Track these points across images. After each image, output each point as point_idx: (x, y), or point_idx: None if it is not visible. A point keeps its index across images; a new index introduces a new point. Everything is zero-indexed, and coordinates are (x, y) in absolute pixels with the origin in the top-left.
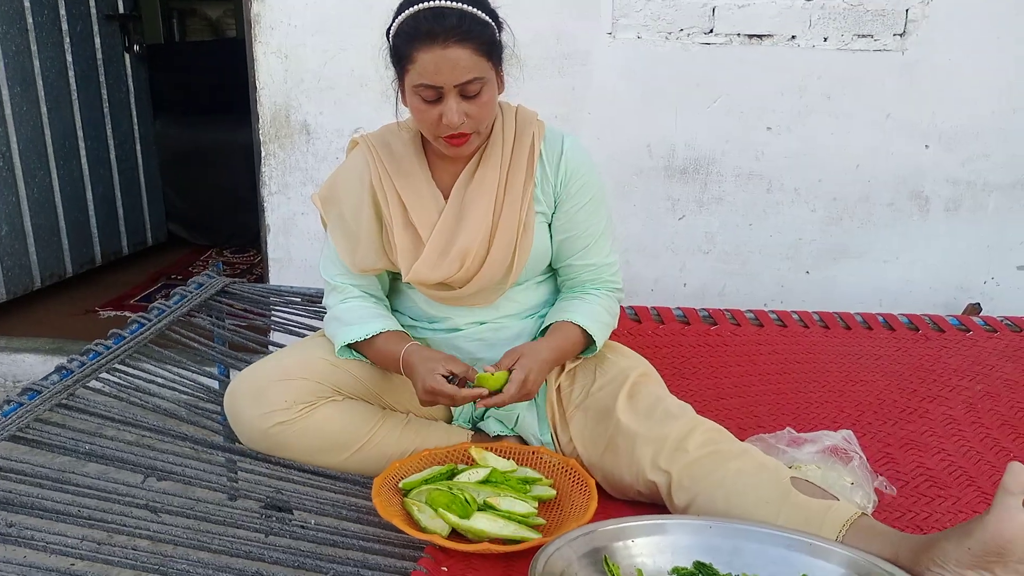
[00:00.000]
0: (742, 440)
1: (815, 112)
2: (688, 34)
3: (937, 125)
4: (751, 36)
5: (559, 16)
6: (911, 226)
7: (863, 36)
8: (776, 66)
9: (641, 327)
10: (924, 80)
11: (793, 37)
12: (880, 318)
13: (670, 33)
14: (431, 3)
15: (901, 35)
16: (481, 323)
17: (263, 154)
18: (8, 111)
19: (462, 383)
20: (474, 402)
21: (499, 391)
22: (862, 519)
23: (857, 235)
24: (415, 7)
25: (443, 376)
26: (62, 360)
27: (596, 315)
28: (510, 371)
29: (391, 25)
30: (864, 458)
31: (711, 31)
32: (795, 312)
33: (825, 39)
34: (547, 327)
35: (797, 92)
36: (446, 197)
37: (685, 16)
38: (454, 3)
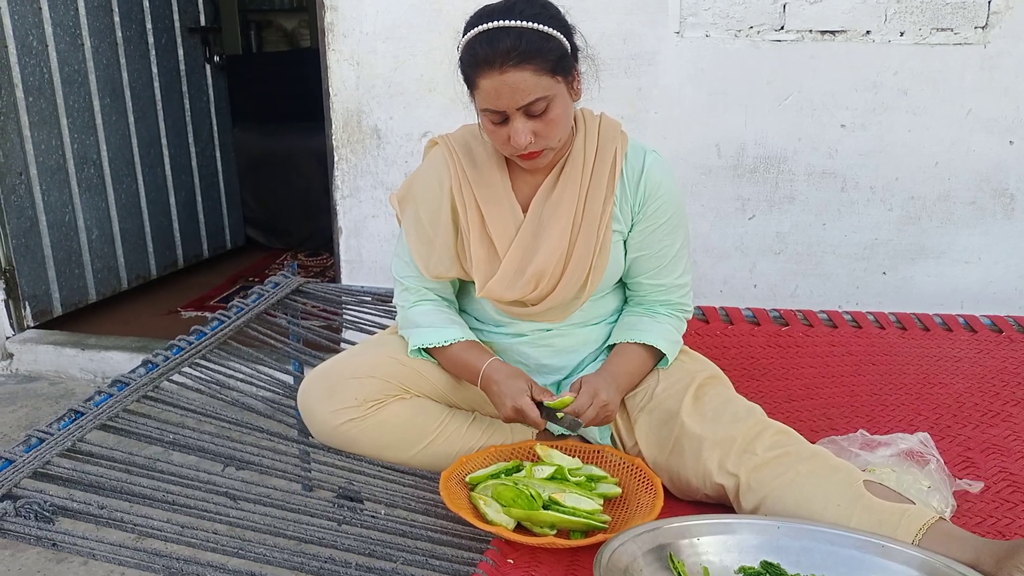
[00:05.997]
0: (813, 443)
1: (891, 108)
2: (758, 31)
3: (1022, 120)
4: (823, 32)
5: (627, 17)
6: (995, 225)
7: (942, 30)
8: (850, 62)
9: (709, 327)
10: (1007, 73)
11: (868, 32)
12: (960, 319)
13: (739, 31)
14: (486, 26)
15: (983, 28)
16: (547, 329)
17: (335, 159)
18: (99, 121)
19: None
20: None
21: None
22: (940, 523)
23: (936, 235)
24: (473, 31)
25: (531, 399)
26: (146, 357)
27: (666, 334)
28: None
29: (459, 44)
30: (941, 461)
31: (782, 28)
32: (870, 313)
33: (901, 33)
34: (613, 344)
35: (872, 88)
36: (525, 210)
37: (755, 13)
38: (511, 22)
